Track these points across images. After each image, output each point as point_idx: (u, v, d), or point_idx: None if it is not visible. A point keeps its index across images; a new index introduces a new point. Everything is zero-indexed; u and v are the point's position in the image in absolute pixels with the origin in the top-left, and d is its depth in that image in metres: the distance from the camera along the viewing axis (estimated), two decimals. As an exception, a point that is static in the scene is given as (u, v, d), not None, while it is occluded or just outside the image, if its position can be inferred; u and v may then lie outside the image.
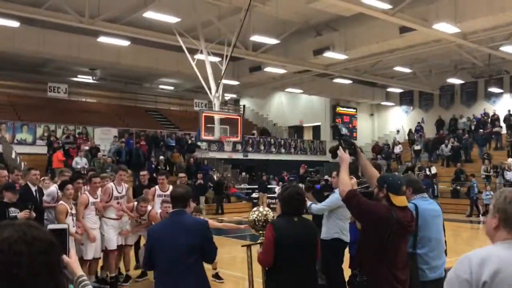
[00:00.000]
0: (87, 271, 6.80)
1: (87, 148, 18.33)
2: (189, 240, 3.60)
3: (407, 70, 23.89)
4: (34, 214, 5.94)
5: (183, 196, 3.79)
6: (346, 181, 3.55)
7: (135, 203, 7.57)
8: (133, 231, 7.70)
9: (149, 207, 7.56)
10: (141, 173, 8.92)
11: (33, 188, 6.72)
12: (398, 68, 23.27)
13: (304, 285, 3.68)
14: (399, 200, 3.41)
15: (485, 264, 1.87)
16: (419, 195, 4.08)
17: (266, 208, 4.56)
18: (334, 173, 6.29)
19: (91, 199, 6.89)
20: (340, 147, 3.75)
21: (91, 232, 6.76)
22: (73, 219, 6.44)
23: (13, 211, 5.74)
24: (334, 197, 5.94)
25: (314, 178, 9.03)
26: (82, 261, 6.75)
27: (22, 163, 17.23)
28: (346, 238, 6.08)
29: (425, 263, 3.91)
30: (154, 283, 3.85)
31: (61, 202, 6.39)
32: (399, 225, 3.28)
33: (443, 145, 24.52)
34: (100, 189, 7.14)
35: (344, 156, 3.69)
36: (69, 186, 6.43)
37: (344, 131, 3.85)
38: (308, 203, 6.35)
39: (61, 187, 6.50)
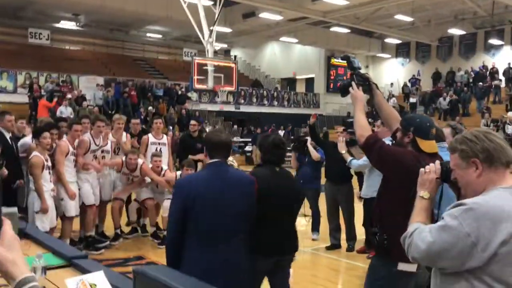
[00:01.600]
0: (69, 230, 6.11)
1: (70, 96, 17.28)
2: (240, 201, 2.90)
3: (407, 18, 22.84)
4: (5, 171, 5.16)
5: (227, 143, 3.01)
6: (363, 124, 2.98)
7: (123, 157, 6.71)
8: (126, 191, 6.92)
9: (140, 161, 6.66)
10: (133, 121, 7.96)
11: (7, 135, 5.76)
12: (399, 17, 22.23)
13: (289, 240, 3.43)
14: (429, 146, 2.89)
15: (500, 220, 1.63)
16: (438, 144, 3.27)
17: (230, 158, 4.62)
18: (378, 122, 5.34)
19: (71, 149, 6.00)
20: (353, 83, 3.09)
21: (69, 187, 5.91)
22: (49, 173, 5.61)
23: None
24: None
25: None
26: (64, 218, 6.03)
27: (3, 112, 16.28)
28: None
29: None
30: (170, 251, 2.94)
31: (35, 153, 5.47)
32: None
33: (441, 98, 23.91)
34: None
35: (358, 94, 3.04)
36: (46, 134, 5.49)
37: (357, 63, 3.18)
38: (349, 158, 5.86)
39: (36, 135, 5.55)
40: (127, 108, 18.77)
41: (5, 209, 3.83)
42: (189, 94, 21.73)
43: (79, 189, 6.15)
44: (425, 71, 27.85)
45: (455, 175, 1.91)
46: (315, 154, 6.82)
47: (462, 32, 25.15)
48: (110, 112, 19.15)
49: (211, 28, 16.25)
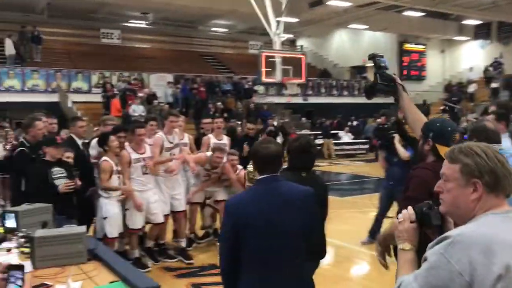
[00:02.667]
0: (136, 242, 5.79)
1: (141, 95, 17.51)
2: (297, 219, 2.53)
3: (489, -3, 21.04)
4: (79, 183, 4.96)
5: (277, 155, 2.62)
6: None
7: (208, 153, 6.35)
8: (202, 187, 6.54)
9: (224, 159, 6.33)
10: (204, 121, 7.68)
11: (79, 142, 5.63)
12: (480, -5, 20.53)
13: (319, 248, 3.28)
14: None
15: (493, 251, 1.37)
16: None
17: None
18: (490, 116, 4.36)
19: (135, 155, 5.62)
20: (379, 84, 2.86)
21: (136, 198, 5.51)
22: (118, 177, 5.42)
23: (56, 172, 4.81)
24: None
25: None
26: (126, 230, 5.66)
27: (78, 112, 16.80)
28: None
29: None
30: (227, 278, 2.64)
31: (104, 158, 5.34)
32: None
33: (528, 82, 21.95)
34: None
35: None
36: (112, 138, 5.33)
37: (383, 62, 2.92)
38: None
39: (102, 141, 5.38)
40: (198, 104, 18.81)
41: (72, 228, 3.64)
42: (255, 88, 21.41)
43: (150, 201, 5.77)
44: (508, 53, 25.71)
45: (444, 189, 1.61)
46: (403, 153, 6.19)
47: (552, 8, 22.88)
48: (180, 109, 19.34)
49: (277, 19, 15.77)
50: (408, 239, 1.75)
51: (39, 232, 3.24)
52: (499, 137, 3.32)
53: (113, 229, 5.35)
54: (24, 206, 3.97)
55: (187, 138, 6.49)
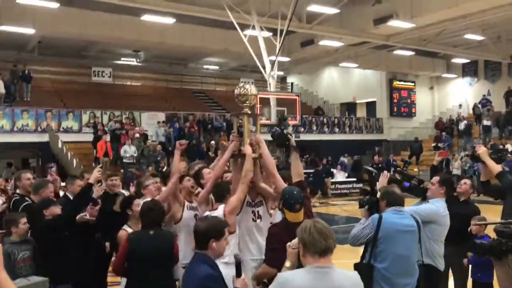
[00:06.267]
0: None
1: (138, 136, 17.22)
2: None
3: (477, 37, 21.47)
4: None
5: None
6: None
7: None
8: None
9: None
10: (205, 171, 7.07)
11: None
12: (468, 36, 20.95)
13: None
14: (291, 217, 3.52)
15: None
16: (393, 207, 3.88)
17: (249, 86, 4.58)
18: (435, 179, 4.84)
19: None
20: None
21: None
22: None
23: None
24: (429, 208, 4.53)
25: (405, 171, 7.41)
26: None
27: (69, 153, 16.51)
28: (441, 265, 4.57)
29: (385, 278, 3.70)
30: None
31: (124, 227, 4.50)
32: None
33: (518, 120, 22.18)
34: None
35: None
36: (138, 201, 4.55)
37: (285, 126, 3.49)
38: None
39: (124, 205, 4.57)
40: (191, 141, 18.61)
41: None
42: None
43: None
44: (496, 90, 26.10)
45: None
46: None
47: (537, 48, 23.43)
48: (172, 148, 19.09)
49: (271, 58, 15.82)
50: (290, 260, 2.72)
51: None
52: (403, 201, 4.00)
53: None
54: (20, 282, 3.68)
55: None
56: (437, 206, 4.54)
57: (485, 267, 4.69)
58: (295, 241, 2.63)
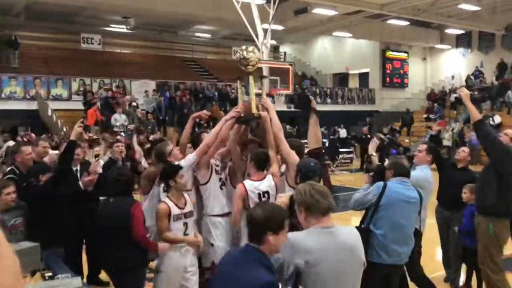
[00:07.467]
0: None
1: (132, 103, 17.01)
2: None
3: (472, 7, 21.21)
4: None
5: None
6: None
7: None
8: None
9: None
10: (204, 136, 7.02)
11: (74, 168, 5.13)
12: (463, 6, 20.67)
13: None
14: None
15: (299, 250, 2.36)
16: (399, 178, 3.96)
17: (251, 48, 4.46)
18: (422, 147, 5.23)
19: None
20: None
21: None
22: (185, 224, 4.10)
23: None
24: (417, 174, 4.70)
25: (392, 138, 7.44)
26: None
27: (59, 121, 16.29)
28: (423, 227, 4.77)
29: (381, 244, 3.80)
30: None
31: (163, 198, 4.11)
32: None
33: (509, 92, 22.19)
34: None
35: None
36: (182, 171, 4.02)
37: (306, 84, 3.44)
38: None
39: (169, 175, 4.00)
40: (182, 111, 18.48)
41: (66, 281, 3.31)
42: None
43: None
44: (488, 62, 26.03)
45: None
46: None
47: (532, 19, 23.26)
48: (163, 117, 18.95)
49: (264, 26, 15.54)
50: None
51: None
52: (409, 174, 4.08)
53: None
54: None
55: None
56: (424, 173, 4.82)
57: (473, 234, 4.75)
58: (288, 194, 2.73)
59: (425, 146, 5.14)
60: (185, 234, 4.05)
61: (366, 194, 3.96)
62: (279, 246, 2.33)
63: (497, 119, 20.19)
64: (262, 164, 4.04)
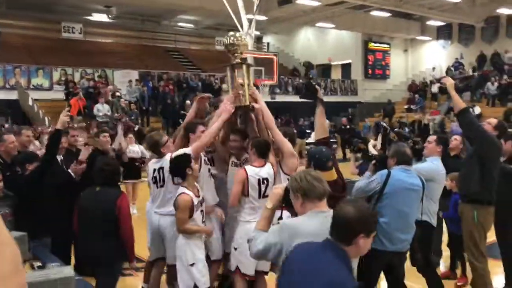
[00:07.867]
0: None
1: (116, 93, 16.88)
2: None
3: None
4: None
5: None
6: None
7: None
8: None
9: None
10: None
11: (59, 158, 5.06)
12: (444, -3, 20.89)
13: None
14: (326, 176, 3.09)
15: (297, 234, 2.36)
16: (402, 166, 4.00)
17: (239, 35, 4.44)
18: (432, 138, 5.03)
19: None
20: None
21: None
22: (202, 212, 4.10)
23: None
24: (429, 166, 4.64)
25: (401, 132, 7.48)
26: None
27: (40, 111, 16.09)
28: (435, 221, 4.75)
29: (385, 232, 3.81)
30: None
31: (182, 189, 3.95)
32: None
33: (488, 83, 22.60)
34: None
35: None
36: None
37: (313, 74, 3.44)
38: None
39: (184, 164, 3.95)
40: (165, 101, 18.40)
41: (57, 270, 3.32)
42: (223, 86, 21.11)
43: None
44: (468, 53, 26.43)
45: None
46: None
47: (511, 12, 23.64)
48: (147, 107, 18.84)
49: (248, 16, 15.50)
50: (272, 201, 2.69)
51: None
52: (411, 161, 4.13)
53: (204, 278, 4.03)
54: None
55: None
56: (435, 164, 4.70)
57: (457, 220, 4.88)
58: (283, 185, 2.74)
59: (434, 137, 5.02)
60: (203, 222, 4.08)
61: (369, 182, 3.97)
62: (365, 250, 2.16)
63: (477, 110, 20.57)
64: (263, 151, 4.11)
